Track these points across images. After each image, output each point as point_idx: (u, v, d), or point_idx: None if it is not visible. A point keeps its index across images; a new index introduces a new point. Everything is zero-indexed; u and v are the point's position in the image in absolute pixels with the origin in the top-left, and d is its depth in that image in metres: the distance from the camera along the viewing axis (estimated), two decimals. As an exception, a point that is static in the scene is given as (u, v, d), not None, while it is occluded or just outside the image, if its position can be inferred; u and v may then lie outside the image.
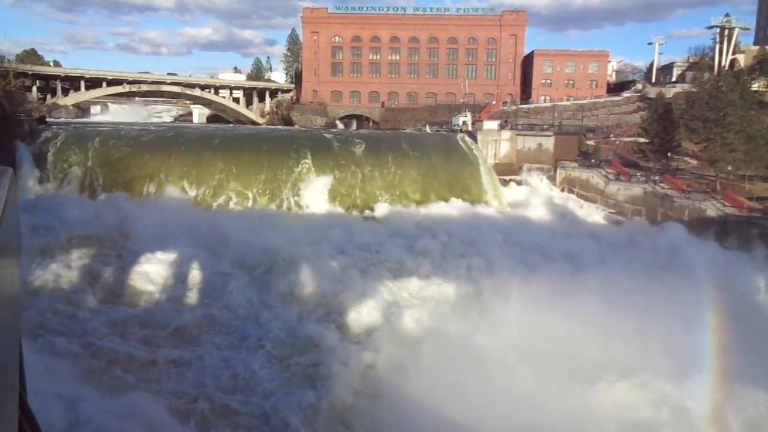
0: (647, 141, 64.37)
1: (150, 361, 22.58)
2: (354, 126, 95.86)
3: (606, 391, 22.67)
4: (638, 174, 57.40)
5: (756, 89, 76.78)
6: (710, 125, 55.76)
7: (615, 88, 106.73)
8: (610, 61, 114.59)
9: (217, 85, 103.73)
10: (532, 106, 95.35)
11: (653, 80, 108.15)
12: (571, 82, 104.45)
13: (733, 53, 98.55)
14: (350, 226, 40.76)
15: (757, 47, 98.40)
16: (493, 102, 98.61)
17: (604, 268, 37.68)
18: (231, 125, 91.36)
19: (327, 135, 55.85)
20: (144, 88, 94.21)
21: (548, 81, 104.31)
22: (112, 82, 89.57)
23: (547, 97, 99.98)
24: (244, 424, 19.82)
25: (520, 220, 47.26)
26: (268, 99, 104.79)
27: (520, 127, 69.44)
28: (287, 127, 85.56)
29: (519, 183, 57.08)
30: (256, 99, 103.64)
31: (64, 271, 28.25)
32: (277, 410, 20.38)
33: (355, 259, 35.32)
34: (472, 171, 53.71)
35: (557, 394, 21.32)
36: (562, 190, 56.67)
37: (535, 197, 53.78)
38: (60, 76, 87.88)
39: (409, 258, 36.81)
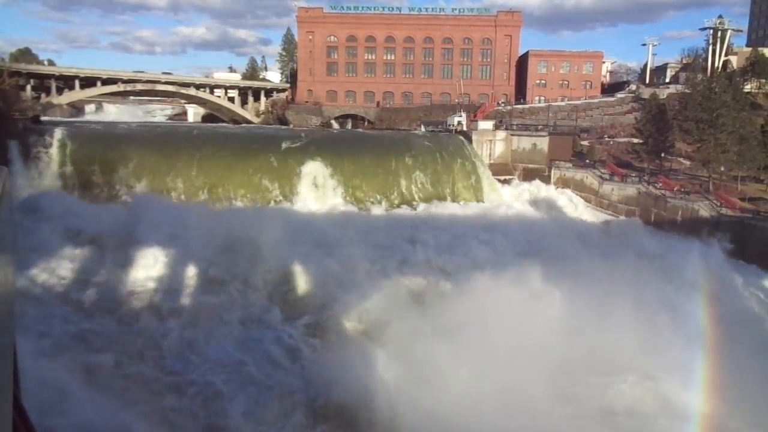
0: (641, 142, 64.60)
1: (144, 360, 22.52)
2: (349, 125, 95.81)
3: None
4: (632, 174, 57.66)
5: (748, 90, 77.35)
6: (703, 126, 56.06)
7: (609, 89, 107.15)
8: (604, 62, 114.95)
9: (212, 84, 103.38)
10: (526, 106, 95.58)
11: (647, 81, 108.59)
12: (566, 82, 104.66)
13: (726, 55, 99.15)
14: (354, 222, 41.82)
15: (749, 49, 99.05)
16: (492, 102, 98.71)
17: (595, 264, 37.72)
18: (225, 124, 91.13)
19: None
20: (139, 87, 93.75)
21: (543, 81, 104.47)
22: (106, 81, 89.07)
23: (542, 98, 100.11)
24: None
25: (514, 218, 47.42)
26: (263, 98, 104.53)
27: (514, 127, 69.58)
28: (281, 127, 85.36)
29: (513, 182, 57.27)
30: (251, 98, 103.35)
31: (55, 270, 28.08)
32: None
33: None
34: (468, 171, 53.84)
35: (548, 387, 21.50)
36: (555, 190, 56.77)
37: (529, 196, 53.99)
38: (54, 75, 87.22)
39: (408, 254, 37.44)
